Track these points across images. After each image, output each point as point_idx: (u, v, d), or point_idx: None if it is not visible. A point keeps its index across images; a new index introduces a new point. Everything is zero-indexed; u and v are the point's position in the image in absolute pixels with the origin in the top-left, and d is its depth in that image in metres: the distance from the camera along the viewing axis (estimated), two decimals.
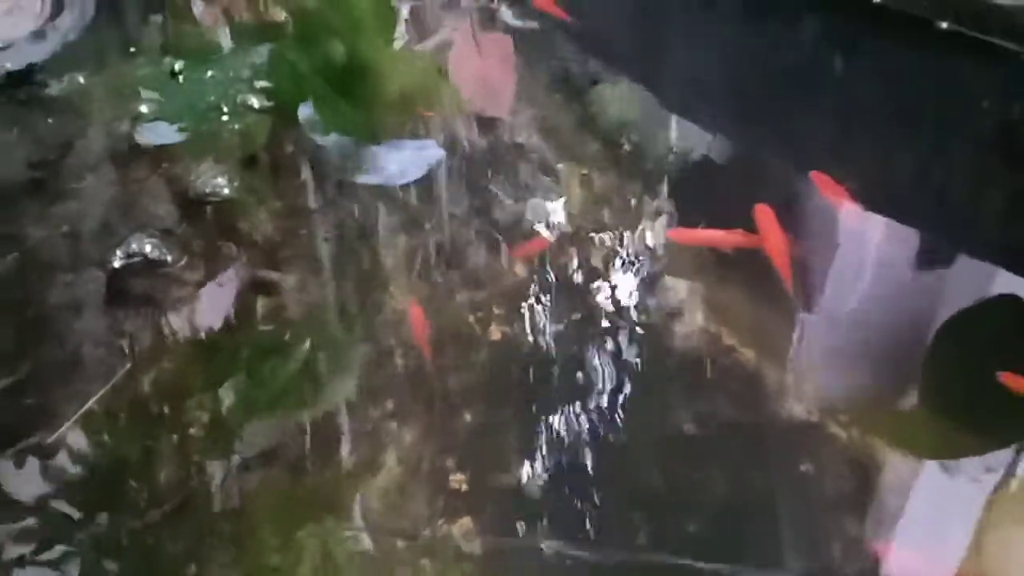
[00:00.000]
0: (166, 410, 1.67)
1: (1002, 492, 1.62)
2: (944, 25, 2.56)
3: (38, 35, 2.47)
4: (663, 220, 2.13)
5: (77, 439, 1.61)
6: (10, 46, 2.41)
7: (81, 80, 2.33)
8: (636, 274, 2.00)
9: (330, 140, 2.25)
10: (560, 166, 2.28)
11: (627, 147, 2.37)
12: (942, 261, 2.08)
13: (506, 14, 2.86)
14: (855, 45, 2.71)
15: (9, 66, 2.36)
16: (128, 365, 1.71)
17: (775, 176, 2.31)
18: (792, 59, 2.72)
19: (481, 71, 2.63)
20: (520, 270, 1.99)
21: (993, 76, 2.52)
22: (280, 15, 2.69)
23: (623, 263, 2.02)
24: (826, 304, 1.97)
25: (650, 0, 3.00)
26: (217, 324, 1.84)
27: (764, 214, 2.03)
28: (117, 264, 1.87)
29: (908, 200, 2.21)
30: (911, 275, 2.06)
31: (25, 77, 2.35)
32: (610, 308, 1.92)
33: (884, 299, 1.99)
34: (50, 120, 2.21)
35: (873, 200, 2.12)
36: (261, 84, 2.35)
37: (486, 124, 2.39)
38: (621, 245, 2.06)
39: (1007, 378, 1.74)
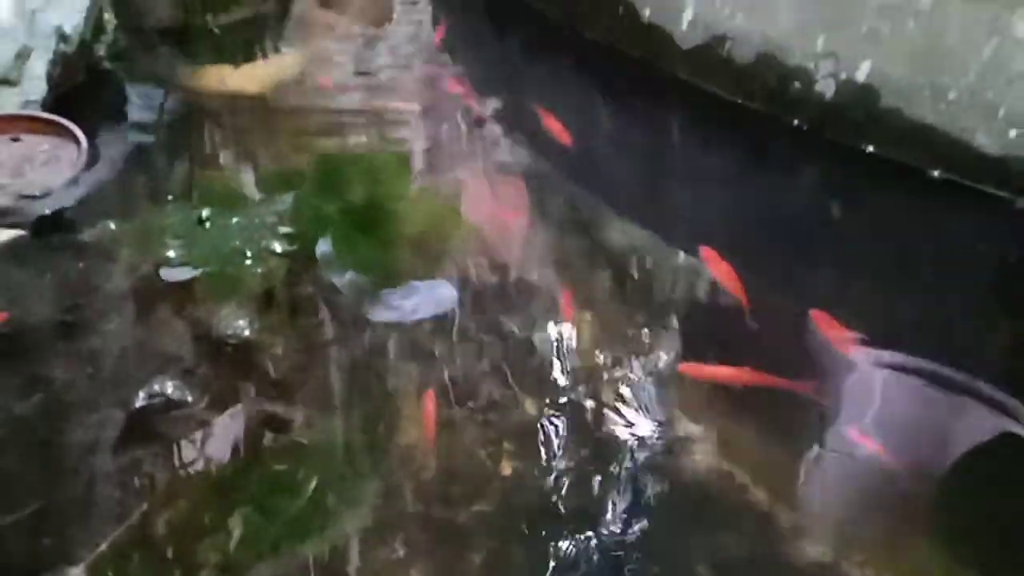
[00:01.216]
0: (178, 552, 1.67)
1: None
2: (936, 173, 2.68)
3: (73, 183, 2.59)
4: (673, 354, 2.16)
5: None
6: (48, 194, 2.53)
7: (112, 227, 2.42)
8: (646, 409, 2.01)
9: (347, 279, 2.33)
10: (570, 300, 2.32)
11: (635, 279, 2.44)
12: (948, 398, 2.10)
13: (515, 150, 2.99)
14: (852, 190, 2.81)
15: (47, 212, 2.47)
16: (144, 506, 1.73)
17: (784, 309, 2.36)
18: (791, 203, 2.82)
19: (493, 210, 2.73)
20: (530, 405, 2.00)
21: (986, 221, 2.61)
22: (303, 163, 2.83)
23: (633, 398, 2.03)
24: (840, 441, 1.98)
25: (651, 145, 3.14)
26: (227, 458, 1.86)
27: (708, 254, 2.41)
28: (138, 404, 1.91)
29: (909, 340, 2.24)
30: (921, 412, 2.07)
31: (59, 224, 2.45)
32: (620, 444, 1.92)
33: (895, 436, 1.99)
34: (81, 265, 2.29)
35: (875, 339, 2.17)
36: (284, 230, 2.44)
37: (498, 261, 2.45)
38: (631, 379, 2.08)
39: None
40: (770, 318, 2.31)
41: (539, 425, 1.95)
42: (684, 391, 2.08)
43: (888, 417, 2.03)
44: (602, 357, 2.14)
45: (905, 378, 2.13)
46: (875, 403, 2.06)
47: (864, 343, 2.15)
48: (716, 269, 2.39)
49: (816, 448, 1.95)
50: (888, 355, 2.17)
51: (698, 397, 2.06)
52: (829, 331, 2.16)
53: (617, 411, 1.99)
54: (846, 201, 2.78)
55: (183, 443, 1.87)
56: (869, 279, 2.45)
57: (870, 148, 2.80)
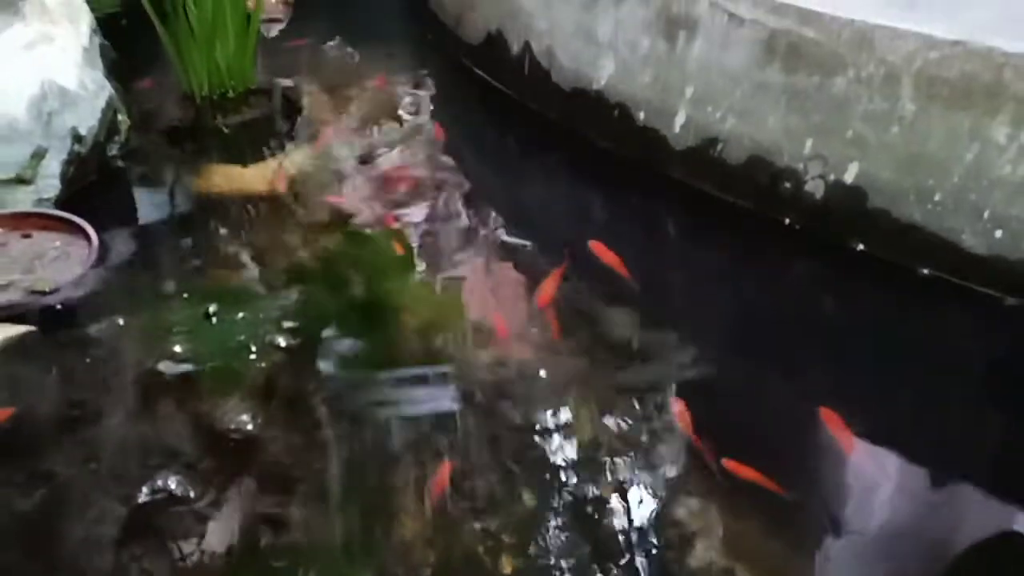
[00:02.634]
0: None
1: None
2: (926, 271, 2.75)
3: (82, 279, 2.64)
4: (676, 447, 2.16)
5: None
6: (57, 290, 2.58)
7: (120, 322, 2.47)
8: (647, 502, 2.01)
9: (349, 372, 2.36)
10: (571, 392, 2.34)
11: (637, 370, 2.45)
12: (952, 497, 2.11)
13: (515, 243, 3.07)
14: (843, 287, 2.87)
15: (56, 307, 2.52)
16: None
17: (788, 404, 2.38)
18: (783, 299, 2.87)
19: (495, 303, 2.78)
20: (530, 499, 2.01)
21: (976, 317, 2.66)
22: (309, 259, 2.89)
23: (634, 491, 2.03)
24: (846, 541, 1.98)
25: (647, 240, 3.22)
26: (226, 556, 1.85)
27: (596, 246, 2.92)
28: (141, 500, 1.92)
29: (906, 439, 2.26)
30: (925, 511, 2.08)
31: (67, 319, 2.49)
32: (622, 538, 1.91)
33: (900, 534, 1.99)
34: (87, 360, 2.32)
35: (876, 438, 2.19)
36: (288, 324, 2.49)
37: (500, 353, 2.48)
38: (633, 472, 2.08)
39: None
40: (771, 413, 2.34)
41: (540, 519, 1.95)
42: (687, 486, 2.07)
43: (895, 514, 2.04)
44: (605, 449, 2.14)
45: (908, 477, 2.15)
46: (883, 500, 2.07)
47: (863, 441, 2.17)
48: (605, 258, 2.89)
49: (822, 546, 1.95)
50: (890, 453, 2.19)
51: (701, 492, 2.05)
52: (835, 429, 2.19)
53: (619, 505, 2.00)
54: (838, 297, 2.84)
55: (183, 539, 1.87)
56: (860, 375, 2.48)
57: (860, 246, 2.88)
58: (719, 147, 3.19)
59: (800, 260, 2.99)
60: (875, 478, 2.14)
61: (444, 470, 2.05)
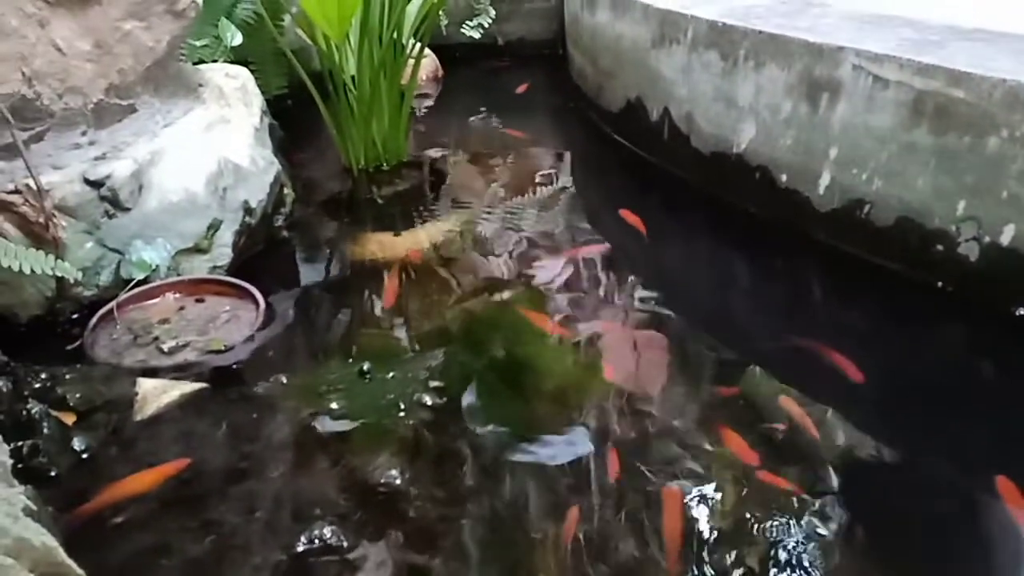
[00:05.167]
0: None
1: None
2: None
3: (250, 341, 2.86)
4: (827, 517, 2.09)
5: None
6: (229, 350, 2.80)
7: (283, 380, 2.64)
8: None
9: (489, 430, 2.43)
10: (713, 455, 2.31)
11: (781, 432, 2.40)
12: None
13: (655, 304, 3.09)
14: (1004, 353, 2.74)
15: (228, 366, 2.74)
16: None
17: (949, 478, 2.28)
18: (943, 365, 2.76)
19: (633, 362, 2.80)
20: (676, 569, 1.97)
21: None
22: (454, 321, 3.01)
23: (782, 563, 1.97)
24: None
25: (792, 300, 3.18)
26: None
27: (625, 213, 3.54)
28: (299, 549, 2.04)
29: None
30: None
31: (236, 378, 2.70)
32: None
33: None
34: (254, 415, 2.50)
35: None
36: (434, 384, 2.60)
37: (638, 412, 2.49)
38: (781, 544, 2.02)
39: None
40: (941, 478, 2.26)
41: None
42: (839, 560, 1.99)
43: None
44: (750, 518, 2.09)
45: None
46: None
47: None
48: (631, 220, 3.63)
49: None
50: None
51: (854, 567, 1.97)
52: (1011, 501, 2.08)
53: None
54: (998, 363, 2.71)
55: None
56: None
57: (1021, 311, 2.75)
58: (866, 209, 3.14)
59: (955, 324, 2.88)
60: None
61: (572, 527, 2.07)
